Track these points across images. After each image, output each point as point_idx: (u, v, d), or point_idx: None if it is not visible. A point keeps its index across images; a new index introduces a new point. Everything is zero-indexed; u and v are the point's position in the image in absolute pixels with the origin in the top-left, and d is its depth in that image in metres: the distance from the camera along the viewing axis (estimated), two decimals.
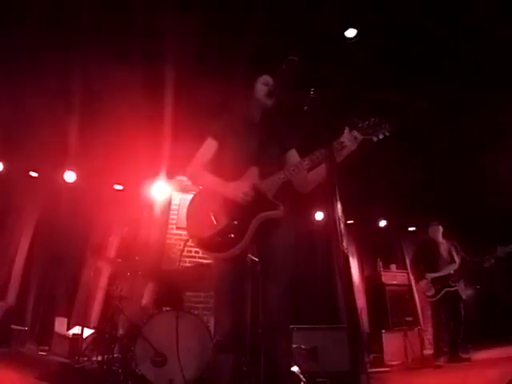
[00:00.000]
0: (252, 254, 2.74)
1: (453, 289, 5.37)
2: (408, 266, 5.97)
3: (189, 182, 2.63)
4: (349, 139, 2.27)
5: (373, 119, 2.25)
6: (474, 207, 8.27)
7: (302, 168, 2.34)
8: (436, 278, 5.49)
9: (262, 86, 2.54)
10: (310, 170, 2.41)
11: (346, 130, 2.29)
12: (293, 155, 2.62)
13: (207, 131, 2.61)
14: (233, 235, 2.28)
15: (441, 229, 5.92)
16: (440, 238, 5.86)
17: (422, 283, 5.59)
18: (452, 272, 5.46)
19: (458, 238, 8.33)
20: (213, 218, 2.34)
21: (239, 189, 2.31)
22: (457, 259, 5.62)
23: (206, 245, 2.35)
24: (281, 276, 2.33)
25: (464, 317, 5.36)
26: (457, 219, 8.48)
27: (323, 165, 2.33)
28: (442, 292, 5.37)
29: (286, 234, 2.41)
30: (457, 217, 8.46)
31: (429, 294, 5.50)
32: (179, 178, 6.49)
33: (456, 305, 5.39)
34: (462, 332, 5.28)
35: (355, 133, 2.27)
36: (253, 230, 2.27)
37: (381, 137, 2.25)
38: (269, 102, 2.56)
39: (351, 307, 1.42)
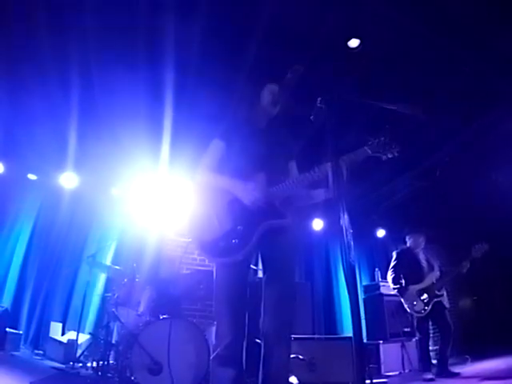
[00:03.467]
0: (253, 263, 2.69)
1: (439, 299, 5.14)
2: (388, 278, 5.61)
3: (191, 186, 2.57)
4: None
5: (382, 138, 2.29)
6: (460, 219, 8.30)
7: (311, 178, 2.32)
8: (421, 289, 5.21)
9: (268, 94, 2.53)
10: (311, 183, 2.39)
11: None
12: (293, 166, 2.62)
13: (213, 133, 2.59)
14: (236, 240, 2.24)
15: (423, 238, 5.66)
16: (421, 248, 5.62)
17: (408, 297, 5.25)
18: (434, 281, 5.24)
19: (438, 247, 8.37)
20: (216, 222, 2.30)
21: (250, 192, 2.28)
22: (436, 267, 5.43)
23: (208, 248, 2.30)
24: (284, 283, 2.30)
25: (453, 328, 5.09)
26: (440, 230, 8.54)
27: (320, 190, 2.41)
28: (431, 304, 5.10)
29: (290, 241, 2.38)
30: (441, 227, 8.51)
31: (416, 309, 5.16)
32: (179, 182, 6.45)
33: (443, 316, 5.13)
34: (451, 344, 5.01)
35: (365, 149, 2.31)
36: (257, 237, 2.23)
37: (390, 156, 2.31)
38: (273, 111, 2.56)
39: (357, 319, 1.40)
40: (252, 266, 2.95)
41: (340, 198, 1.58)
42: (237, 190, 2.33)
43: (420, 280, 5.31)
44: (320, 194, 2.45)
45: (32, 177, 6.59)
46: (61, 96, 5.12)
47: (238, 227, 2.27)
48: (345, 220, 1.52)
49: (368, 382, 1.62)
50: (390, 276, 5.59)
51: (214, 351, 2.26)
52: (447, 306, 5.25)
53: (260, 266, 2.48)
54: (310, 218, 7.96)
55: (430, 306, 5.11)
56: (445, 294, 5.25)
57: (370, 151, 2.31)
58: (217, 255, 2.27)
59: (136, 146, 5.80)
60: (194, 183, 2.56)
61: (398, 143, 2.29)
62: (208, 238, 2.29)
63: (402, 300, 5.35)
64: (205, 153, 2.58)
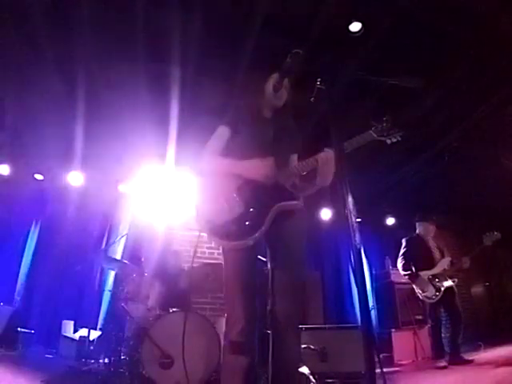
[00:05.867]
0: (261, 254, 2.63)
1: (451, 284, 5.13)
2: (398, 265, 5.57)
3: (197, 177, 2.50)
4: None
5: (385, 124, 2.33)
6: (470, 205, 8.23)
7: (307, 167, 2.30)
8: (433, 275, 5.22)
9: (270, 84, 2.45)
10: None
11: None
12: (294, 160, 2.55)
13: (218, 122, 2.54)
14: (249, 223, 2.19)
15: (433, 226, 5.66)
16: (431, 235, 5.62)
17: (420, 283, 5.24)
18: (446, 267, 5.24)
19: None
20: (226, 206, 2.24)
21: (261, 167, 2.23)
22: (446, 253, 5.45)
23: (218, 232, 2.22)
24: (293, 266, 2.24)
25: (462, 314, 5.10)
26: (450, 216, 8.49)
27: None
28: (442, 290, 5.10)
29: (298, 223, 2.32)
30: (451, 214, 8.45)
31: (428, 294, 5.15)
32: (186, 176, 6.44)
33: (453, 302, 5.12)
34: (462, 331, 5.00)
35: (370, 132, 2.33)
36: (271, 219, 2.19)
37: (394, 140, 2.37)
38: (277, 102, 2.51)
39: (365, 302, 1.36)
40: (260, 257, 2.91)
41: (343, 179, 1.55)
42: (246, 169, 2.27)
43: (431, 266, 5.29)
44: (319, 182, 2.40)
45: (39, 177, 6.61)
46: (65, 96, 5.14)
47: (251, 209, 2.21)
48: (349, 203, 1.49)
49: (378, 371, 1.59)
50: (400, 263, 5.56)
51: (224, 338, 2.21)
52: (456, 292, 5.22)
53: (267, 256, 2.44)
54: (318, 206, 7.92)
55: (441, 292, 5.09)
56: (456, 280, 5.21)
57: (375, 135, 2.33)
58: (229, 239, 2.21)
59: (141, 140, 5.80)
60: (199, 169, 2.50)
61: (401, 128, 2.34)
62: (219, 221, 2.23)
63: (414, 286, 5.33)
64: (210, 139, 2.52)
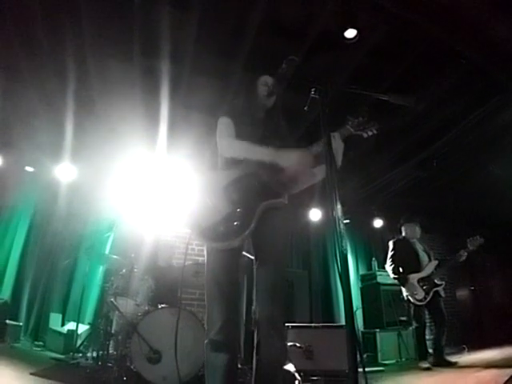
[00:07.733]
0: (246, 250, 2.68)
1: (439, 288, 5.19)
2: (387, 267, 5.60)
3: (186, 176, 2.57)
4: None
5: (361, 117, 2.40)
6: (457, 209, 8.35)
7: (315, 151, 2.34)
8: (421, 278, 5.27)
9: (262, 86, 2.55)
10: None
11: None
12: None
13: (217, 114, 2.57)
14: (237, 223, 2.23)
15: (418, 228, 5.72)
16: (417, 238, 5.67)
17: (410, 286, 5.28)
18: (434, 270, 5.29)
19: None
20: (212, 207, 2.28)
21: (304, 157, 2.27)
22: (432, 257, 5.51)
23: (208, 234, 2.26)
24: (275, 263, 2.29)
25: (447, 317, 5.19)
26: (437, 219, 8.60)
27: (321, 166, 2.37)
28: (431, 293, 5.16)
29: (282, 221, 2.38)
30: (438, 217, 8.56)
31: (418, 297, 5.19)
32: (176, 171, 6.45)
33: (438, 305, 5.19)
34: (445, 333, 5.08)
35: (347, 127, 2.40)
36: (258, 217, 2.24)
37: (370, 134, 2.42)
38: (268, 102, 2.58)
39: (350, 307, 1.42)
40: (248, 254, 2.96)
41: (333, 186, 1.60)
42: (285, 158, 2.28)
43: (418, 269, 5.36)
44: (321, 170, 2.38)
45: (29, 169, 6.58)
46: (57, 87, 5.12)
47: (238, 210, 2.26)
48: (337, 209, 1.55)
49: (361, 370, 1.65)
50: (389, 266, 5.60)
51: (206, 336, 2.24)
52: (443, 295, 5.28)
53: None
54: (307, 207, 7.97)
55: (430, 295, 5.17)
56: (443, 283, 5.29)
57: (352, 130, 2.40)
58: (216, 240, 2.25)
59: (132, 135, 5.80)
60: (221, 152, 2.49)
61: (375, 121, 2.40)
62: (207, 223, 2.27)
63: (403, 289, 5.39)
64: (218, 129, 2.53)
